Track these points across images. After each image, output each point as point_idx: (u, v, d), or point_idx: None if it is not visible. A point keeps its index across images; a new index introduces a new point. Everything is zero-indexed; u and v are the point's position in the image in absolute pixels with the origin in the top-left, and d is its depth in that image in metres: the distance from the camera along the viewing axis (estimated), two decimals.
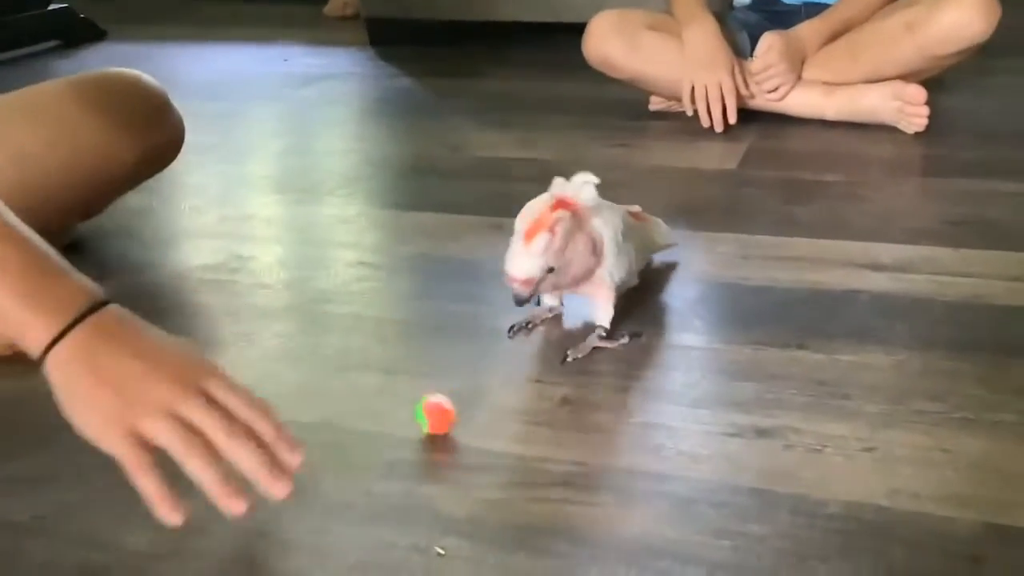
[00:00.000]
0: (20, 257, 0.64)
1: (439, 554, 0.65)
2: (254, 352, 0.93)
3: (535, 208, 0.85)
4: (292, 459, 0.65)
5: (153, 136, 1.13)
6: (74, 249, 1.18)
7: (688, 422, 0.78)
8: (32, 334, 0.63)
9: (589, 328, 0.90)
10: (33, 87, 1.08)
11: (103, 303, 0.66)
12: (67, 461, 0.76)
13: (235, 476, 0.62)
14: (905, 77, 1.44)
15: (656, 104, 1.62)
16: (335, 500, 0.71)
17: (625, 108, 1.62)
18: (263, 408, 0.65)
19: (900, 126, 1.45)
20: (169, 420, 0.62)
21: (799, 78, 1.50)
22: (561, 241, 0.82)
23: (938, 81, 1.52)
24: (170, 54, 2.38)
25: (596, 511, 0.68)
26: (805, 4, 1.56)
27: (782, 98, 1.50)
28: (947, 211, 1.18)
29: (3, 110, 1.04)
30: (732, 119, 1.48)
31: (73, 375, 0.63)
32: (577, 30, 1.56)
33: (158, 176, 1.26)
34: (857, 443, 0.74)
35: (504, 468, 0.74)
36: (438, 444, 0.77)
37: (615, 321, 0.90)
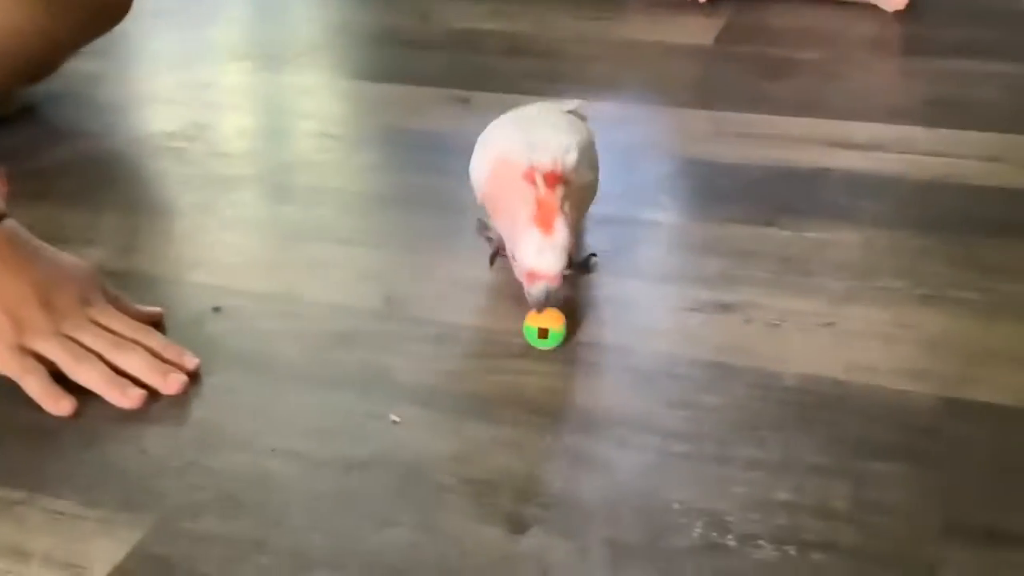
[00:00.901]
0: None
1: (394, 421, 0.64)
2: (210, 221, 0.91)
3: (517, 181, 0.69)
4: (183, 361, 0.69)
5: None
6: (26, 114, 1.14)
7: (650, 297, 0.77)
8: None
9: None
10: None
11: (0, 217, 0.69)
12: None
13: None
14: None
15: None
16: (291, 368, 0.70)
17: None
18: (147, 327, 0.70)
19: (880, 4, 1.41)
20: (59, 340, 0.67)
21: None
22: (571, 224, 0.70)
23: None
24: None
25: (553, 382, 0.68)
26: None
27: None
28: (925, 90, 1.16)
29: None
30: None
31: None
32: None
33: (113, 41, 1.21)
34: (817, 318, 0.73)
35: (463, 340, 0.73)
36: (396, 315, 0.76)
37: None
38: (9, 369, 0.67)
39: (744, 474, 0.59)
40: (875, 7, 1.41)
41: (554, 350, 0.70)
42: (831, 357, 0.69)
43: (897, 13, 1.39)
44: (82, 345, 0.67)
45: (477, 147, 0.78)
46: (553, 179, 0.68)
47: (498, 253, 0.78)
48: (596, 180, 0.78)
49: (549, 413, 0.65)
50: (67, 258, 0.72)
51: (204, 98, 1.21)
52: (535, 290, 0.67)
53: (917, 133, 1.03)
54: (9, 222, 0.70)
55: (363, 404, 0.66)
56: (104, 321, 0.69)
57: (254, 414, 0.66)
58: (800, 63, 1.25)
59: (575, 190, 0.71)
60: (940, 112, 1.08)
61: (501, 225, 0.73)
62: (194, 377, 0.68)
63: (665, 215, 0.90)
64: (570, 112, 0.82)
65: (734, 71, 1.24)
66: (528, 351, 0.71)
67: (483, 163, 0.75)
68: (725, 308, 0.75)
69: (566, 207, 0.68)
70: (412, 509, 0.57)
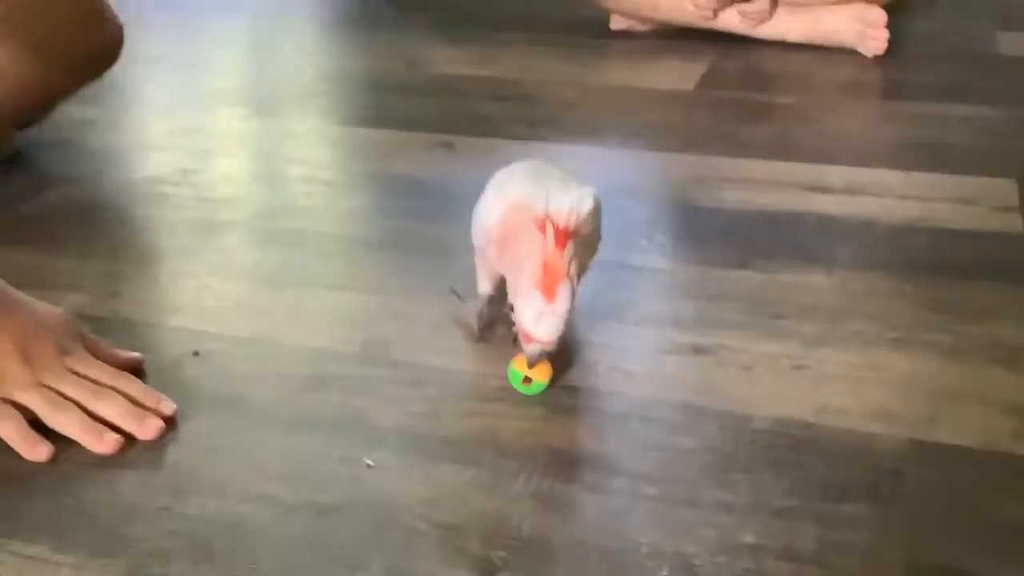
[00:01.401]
0: None
1: (368, 466, 0.65)
2: (194, 266, 0.92)
3: (529, 229, 0.67)
4: (160, 406, 0.70)
5: (86, 43, 1.09)
6: (15, 160, 1.16)
7: (626, 339, 0.78)
8: None
9: None
10: None
11: None
12: None
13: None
14: (868, 0, 1.42)
15: (617, 23, 1.59)
16: (267, 412, 0.71)
17: (585, 26, 1.60)
18: (126, 375, 0.71)
19: (860, 49, 1.44)
20: (38, 390, 0.68)
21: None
22: (576, 283, 0.68)
23: (899, 4, 1.50)
24: None
25: (527, 424, 0.69)
26: None
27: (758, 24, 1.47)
28: (900, 134, 1.18)
29: None
30: None
31: None
32: None
33: (104, 88, 1.23)
34: (788, 361, 0.74)
35: (438, 382, 0.73)
36: (374, 358, 0.76)
37: None
38: None
39: (712, 517, 0.60)
40: (854, 52, 1.44)
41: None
42: (802, 399, 0.70)
43: (876, 57, 1.42)
44: (61, 394, 0.68)
45: (489, 191, 0.76)
46: (564, 236, 0.66)
47: (481, 324, 0.78)
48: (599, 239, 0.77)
49: (522, 456, 0.65)
50: (44, 308, 0.73)
51: (193, 144, 1.23)
52: (530, 350, 0.68)
53: (891, 177, 1.05)
54: None
55: (337, 448, 0.67)
56: (82, 369, 0.70)
57: (229, 459, 0.66)
58: (779, 107, 1.27)
59: (584, 241, 0.70)
60: (915, 155, 1.10)
61: (506, 267, 0.72)
62: (171, 422, 0.69)
63: (641, 258, 0.91)
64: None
65: (714, 116, 1.26)
66: (504, 394, 0.71)
67: (496, 206, 0.73)
68: (699, 350, 0.76)
69: (572, 267, 0.67)
70: (383, 553, 0.58)
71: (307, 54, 1.67)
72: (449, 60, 1.52)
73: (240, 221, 1.02)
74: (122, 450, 0.67)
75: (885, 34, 1.40)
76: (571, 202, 0.66)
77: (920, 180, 1.04)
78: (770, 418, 0.68)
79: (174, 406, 0.70)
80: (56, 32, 1.06)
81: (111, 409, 0.68)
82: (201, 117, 1.33)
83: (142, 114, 1.35)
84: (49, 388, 0.68)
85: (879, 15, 1.40)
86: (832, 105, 1.28)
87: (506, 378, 0.71)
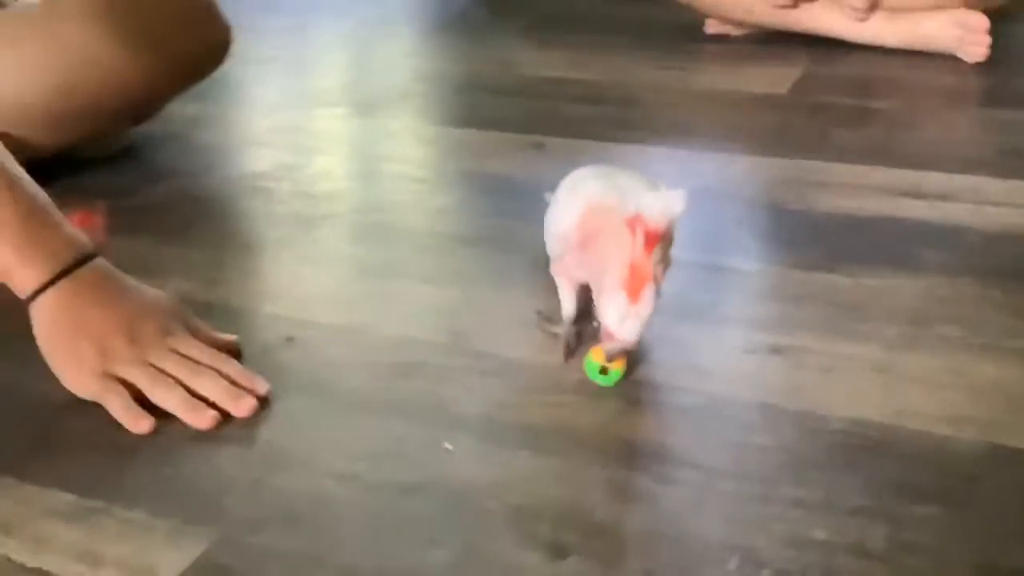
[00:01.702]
0: (17, 207, 0.73)
1: (448, 449, 0.67)
2: (289, 256, 0.96)
3: (614, 227, 0.67)
4: (255, 386, 0.73)
5: (195, 41, 1.15)
6: (128, 154, 1.22)
7: (706, 338, 0.79)
8: (21, 280, 0.73)
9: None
10: None
11: (91, 256, 0.75)
12: None
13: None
14: (968, 5, 1.39)
15: (713, 28, 1.59)
16: (355, 395, 0.74)
17: (680, 31, 1.60)
18: (224, 356, 0.75)
19: (960, 55, 1.40)
20: (143, 367, 0.72)
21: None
22: (659, 286, 0.68)
23: (1000, 9, 1.46)
24: None
25: (603, 417, 0.70)
26: None
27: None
28: (999, 142, 1.15)
29: (54, 10, 1.07)
30: None
31: (56, 324, 0.73)
32: None
33: (214, 87, 1.29)
34: (869, 364, 0.74)
35: (520, 374, 0.76)
36: (460, 349, 0.79)
37: None
38: (92, 392, 0.72)
39: (784, 512, 0.61)
40: (954, 58, 1.41)
41: (607, 388, 0.73)
42: (880, 402, 0.70)
43: (976, 64, 1.39)
44: (163, 371, 0.73)
45: (560, 196, 0.77)
46: (654, 239, 0.65)
47: (568, 349, 0.77)
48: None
49: (597, 446, 0.67)
50: (151, 292, 0.77)
51: (295, 141, 1.28)
52: (610, 347, 0.69)
53: (987, 184, 1.03)
54: (98, 261, 0.76)
55: (419, 432, 0.69)
56: (183, 349, 0.74)
57: (317, 438, 0.70)
58: (874, 112, 1.26)
59: (669, 243, 0.70)
60: (1013, 163, 1.08)
61: (588, 269, 0.73)
62: (264, 402, 0.73)
63: (728, 259, 0.92)
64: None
65: (807, 120, 1.26)
66: (581, 387, 0.73)
67: (572, 209, 0.73)
68: (778, 351, 0.77)
69: (659, 269, 0.67)
70: (459, 533, 0.60)
71: (406, 56, 1.72)
72: (542, 63, 1.54)
73: (336, 215, 1.06)
74: (218, 426, 0.70)
75: (987, 40, 1.37)
76: (663, 205, 0.66)
77: (1017, 187, 1.02)
78: (847, 419, 0.69)
79: (268, 386, 0.74)
80: (166, 30, 1.12)
81: (210, 387, 0.72)
82: (304, 116, 1.38)
83: (248, 112, 1.41)
84: (152, 366, 0.73)
85: (981, 20, 1.37)
86: (929, 111, 1.26)
87: (583, 371, 0.73)
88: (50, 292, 0.73)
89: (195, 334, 0.76)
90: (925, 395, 0.70)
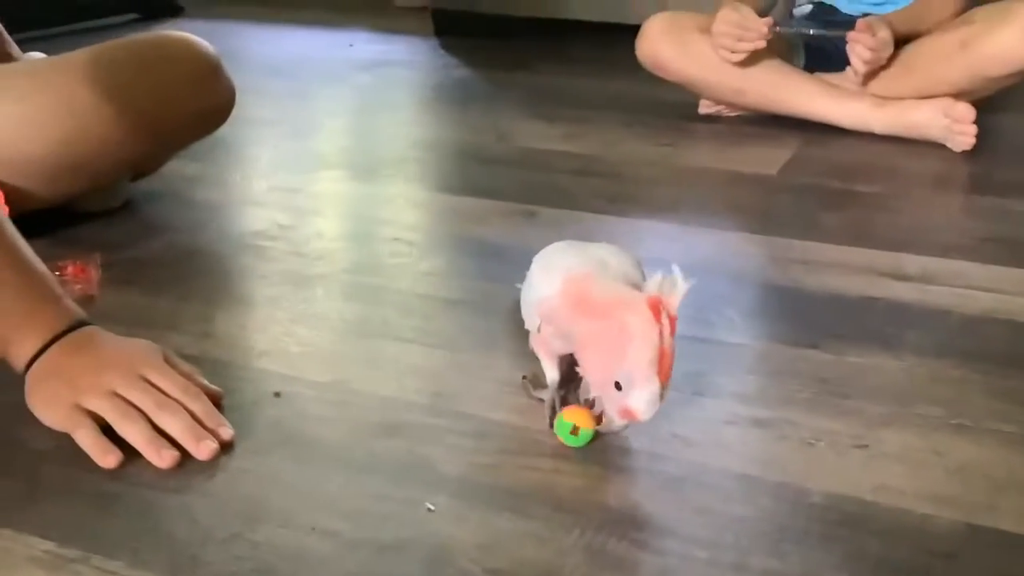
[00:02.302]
0: (16, 285, 0.76)
1: (429, 509, 0.68)
2: (280, 314, 0.97)
3: (638, 319, 0.67)
4: (219, 431, 0.74)
5: (201, 99, 1.17)
6: (126, 208, 1.24)
7: (688, 408, 0.80)
8: (17, 355, 0.76)
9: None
10: (91, 46, 1.13)
11: (83, 323, 0.78)
12: None
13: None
14: (956, 95, 1.43)
15: (706, 108, 1.63)
16: (337, 452, 0.75)
17: (674, 109, 1.64)
18: (195, 391, 0.76)
19: (948, 143, 1.44)
20: (109, 398, 0.73)
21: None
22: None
23: (989, 100, 1.50)
24: (243, 33, 2.44)
25: (584, 482, 0.71)
26: (864, 15, 1.55)
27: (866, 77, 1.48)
28: (981, 227, 1.18)
29: (61, 65, 1.09)
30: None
31: (35, 381, 0.76)
32: (636, 31, 1.58)
33: (215, 146, 1.32)
34: (850, 439, 0.75)
35: (501, 436, 0.76)
36: (443, 410, 0.80)
37: None
38: (63, 424, 0.74)
39: None
40: (941, 145, 1.44)
41: (588, 453, 0.73)
42: (860, 478, 0.71)
43: (964, 152, 1.42)
44: (129, 403, 0.73)
45: (535, 272, 0.79)
46: (675, 323, 0.67)
47: (554, 414, 0.77)
48: None
49: (576, 511, 0.67)
50: (133, 340, 0.79)
51: (291, 202, 1.29)
52: (619, 424, 0.70)
53: (970, 268, 1.05)
54: (89, 328, 0.78)
55: (401, 490, 0.70)
56: (154, 379, 0.75)
57: (298, 493, 0.70)
58: (860, 196, 1.29)
59: None
60: (996, 249, 1.10)
61: (575, 344, 0.72)
62: (227, 446, 0.73)
63: (712, 332, 0.93)
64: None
65: (794, 200, 1.28)
66: (563, 451, 0.73)
67: (548, 283, 0.74)
68: (760, 423, 0.78)
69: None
70: None
71: (404, 124, 1.75)
72: (538, 135, 1.57)
73: (328, 275, 1.07)
74: (197, 477, 0.70)
75: (974, 129, 1.40)
76: (676, 286, 0.68)
77: (998, 273, 1.04)
78: (826, 493, 0.69)
79: (231, 432, 0.74)
80: (173, 89, 1.14)
81: (172, 423, 0.73)
82: (301, 178, 1.40)
83: (246, 172, 1.43)
84: (119, 396, 0.74)
85: (967, 110, 1.41)
86: (914, 196, 1.29)
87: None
88: (39, 360, 0.76)
89: (173, 366, 0.77)
90: (905, 473, 0.71)
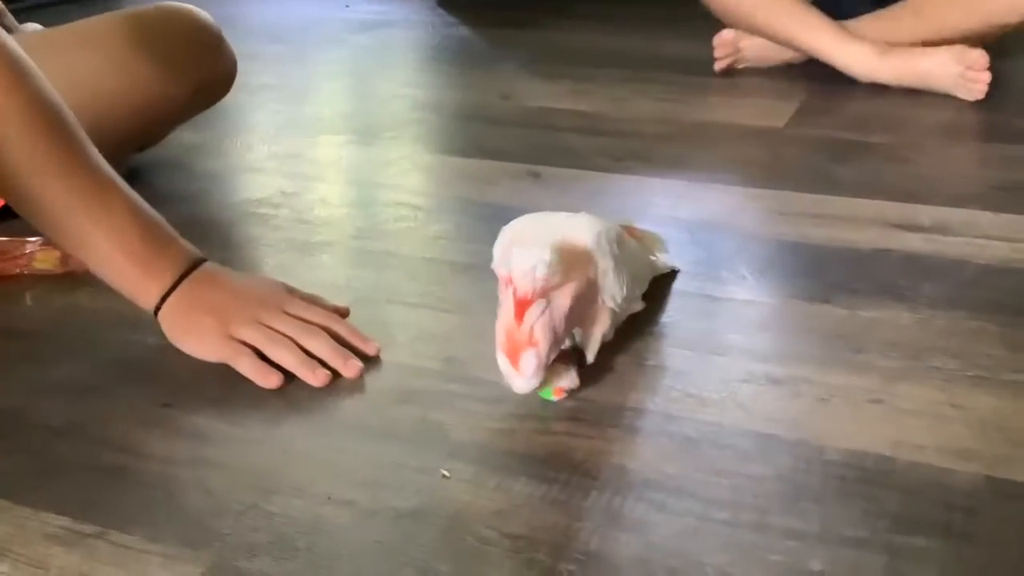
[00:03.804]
0: (139, 228, 0.80)
1: (444, 476, 0.67)
2: (288, 282, 0.96)
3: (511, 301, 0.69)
4: (365, 347, 0.80)
5: (204, 70, 1.16)
6: (129, 179, 1.22)
7: (702, 367, 0.79)
8: (147, 295, 0.80)
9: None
10: (88, 19, 1.12)
11: (202, 260, 0.82)
12: (103, 371, 0.80)
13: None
14: (963, 42, 1.40)
15: (721, 63, 1.58)
16: (352, 421, 0.74)
17: (682, 64, 1.62)
18: (332, 315, 0.81)
19: (958, 93, 1.41)
20: (258, 328, 0.78)
21: None
22: (547, 343, 0.69)
23: (997, 46, 1.48)
24: None
25: (599, 444, 0.70)
26: None
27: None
28: (995, 176, 1.16)
29: (58, 39, 1.08)
30: None
31: (178, 316, 0.79)
32: None
33: (214, 114, 1.30)
34: (866, 394, 0.74)
35: (515, 400, 0.75)
36: (455, 376, 0.79)
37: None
38: (224, 355, 0.78)
39: (780, 543, 0.60)
40: (951, 96, 1.42)
41: (603, 415, 0.73)
42: (877, 433, 0.70)
43: (973, 101, 1.40)
44: (275, 331, 0.78)
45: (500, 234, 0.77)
46: (523, 306, 0.68)
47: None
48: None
49: (593, 474, 0.67)
50: (260, 276, 0.90)
51: (294, 168, 1.28)
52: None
53: (982, 217, 1.04)
54: (209, 264, 0.83)
55: (416, 458, 0.69)
56: (294, 311, 0.80)
57: (314, 463, 0.69)
58: (870, 147, 1.27)
59: (570, 295, 0.70)
60: (1009, 197, 1.09)
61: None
62: (374, 360, 0.80)
63: (723, 290, 0.92)
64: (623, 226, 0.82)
65: (803, 153, 1.26)
66: (579, 415, 0.73)
67: (498, 249, 0.74)
68: (775, 381, 0.77)
69: (538, 330, 0.68)
70: (453, 560, 0.60)
71: (405, 85, 1.73)
72: (543, 94, 1.56)
73: (334, 242, 1.06)
74: (213, 447, 0.70)
75: (987, 76, 1.37)
76: (528, 265, 0.66)
77: (1011, 221, 1.02)
78: (844, 450, 0.68)
79: (377, 346, 0.80)
80: (184, 57, 1.14)
81: (319, 346, 0.78)
82: (303, 143, 1.39)
83: (248, 139, 1.42)
84: (265, 326, 0.78)
85: (982, 56, 1.37)
86: (925, 146, 1.27)
87: (580, 399, 0.73)
88: (171, 298, 0.79)
89: (306, 300, 0.82)
90: (923, 427, 0.70)
